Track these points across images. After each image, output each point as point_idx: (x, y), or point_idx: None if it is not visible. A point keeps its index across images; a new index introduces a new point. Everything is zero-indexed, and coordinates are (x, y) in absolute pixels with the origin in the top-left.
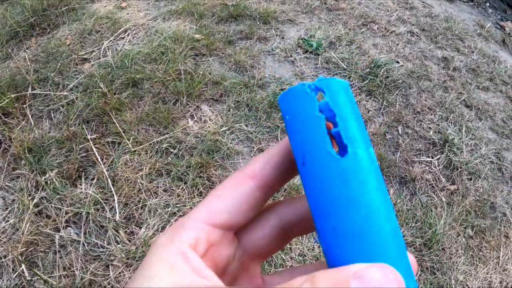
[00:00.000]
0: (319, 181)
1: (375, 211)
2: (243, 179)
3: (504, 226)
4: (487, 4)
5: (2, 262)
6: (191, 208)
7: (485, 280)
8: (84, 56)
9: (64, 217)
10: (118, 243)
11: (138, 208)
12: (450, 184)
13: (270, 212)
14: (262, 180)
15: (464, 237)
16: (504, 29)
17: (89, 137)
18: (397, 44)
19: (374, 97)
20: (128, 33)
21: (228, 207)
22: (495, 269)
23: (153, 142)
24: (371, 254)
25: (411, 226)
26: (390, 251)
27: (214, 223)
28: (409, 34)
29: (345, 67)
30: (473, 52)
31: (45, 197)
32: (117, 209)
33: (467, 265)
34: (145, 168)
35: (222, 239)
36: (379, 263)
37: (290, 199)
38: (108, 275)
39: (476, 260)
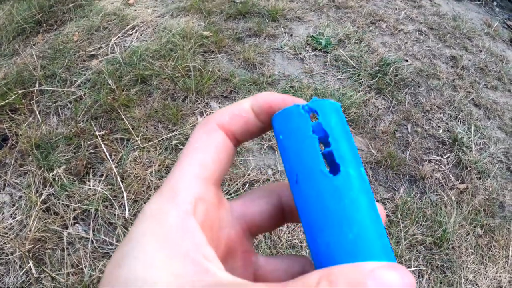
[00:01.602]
0: (312, 199)
1: (367, 228)
2: (213, 128)
3: None
4: (494, 3)
5: (9, 259)
6: None
7: (494, 279)
8: (92, 53)
9: (72, 214)
10: None
11: None
12: (460, 183)
13: (272, 190)
14: (229, 131)
15: (474, 236)
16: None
17: (97, 133)
18: (406, 43)
19: (384, 95)
20: (136, 30)
21: (212, 157)
22: (504, 268)
23: (162, 138)
24: None
25: (421, 225)
26: None
27: (206, 176)
28: (417, 33)
29: (354, 65)
30: (481, 51)
31: (53, 194)
32: (126, 206)
33: (476, 264)
34: (155, 165)
35: (216, 198)
36: (395, 264)
37: None
38: None
39: (485, 259)
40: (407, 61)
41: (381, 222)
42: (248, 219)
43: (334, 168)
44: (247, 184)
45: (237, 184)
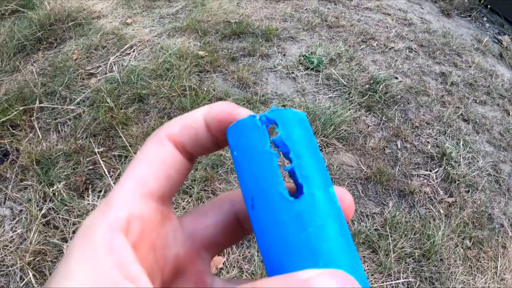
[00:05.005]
0: (270, 227)
1: (336, 261)
2: (161, 141)
3: (501, 237)
4: (485, 18)
5: (10, 271)
6: None
7: None
8: (91, 71)
9: (71, 228)
10: None
11: None
12: (448, 197)
13: (224, 198)
14: (179, 144)
15: (462, 248)
16: (502, 43)
17: (96, 150)
18: (396, 60)
19: (374, 112)
20: (134, 49)
21: (155, 172)
22: (493, 278)
23: None
24: None
25: (409, 238)
26: None
27: (144, 193)
28: (407, 50)
29: (345, 83)
30: (470, 66)
31: (53, 208)
32: None
33: (465, 275)
34: None
35: (158, 215)
36: (333, 269)
37: None
38: None
39: (474, 270)
40: (397, 78)
41: (355, 252)
42: (200, 235)
43: (299, 190)
44: None
45: None
